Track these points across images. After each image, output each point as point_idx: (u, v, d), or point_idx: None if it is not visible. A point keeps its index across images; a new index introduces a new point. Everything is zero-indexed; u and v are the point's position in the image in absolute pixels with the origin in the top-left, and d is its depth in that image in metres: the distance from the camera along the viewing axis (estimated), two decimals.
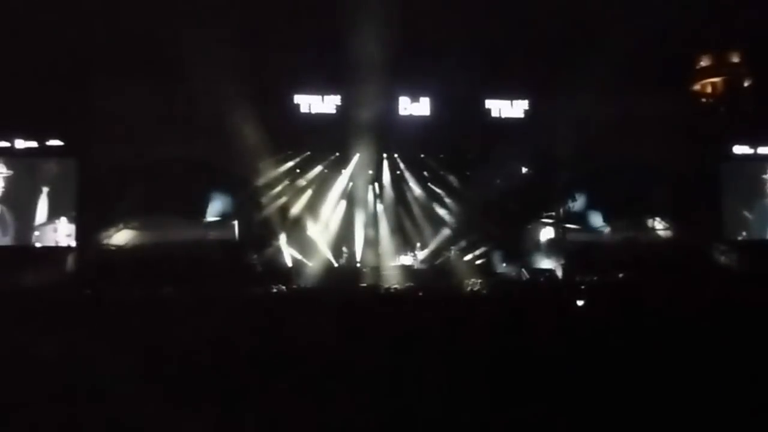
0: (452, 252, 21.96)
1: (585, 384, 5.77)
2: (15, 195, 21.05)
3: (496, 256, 21.85)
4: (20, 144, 21.46)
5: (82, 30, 20.14)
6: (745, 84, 25.66)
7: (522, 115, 22.32)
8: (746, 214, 22.88)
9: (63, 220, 20.93)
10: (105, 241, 21.13)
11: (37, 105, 20.18)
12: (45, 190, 21.09)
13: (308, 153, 22.15)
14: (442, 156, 22.66)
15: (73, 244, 20.88)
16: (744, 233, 22.84)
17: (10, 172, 21.19)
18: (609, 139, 20.29)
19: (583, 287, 17.25)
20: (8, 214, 20.93)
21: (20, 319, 8.27)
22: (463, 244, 22.02)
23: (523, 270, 21.25)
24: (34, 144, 21.56)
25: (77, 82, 20.36)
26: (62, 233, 20.84)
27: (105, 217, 21.15)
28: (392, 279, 19.69)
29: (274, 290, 17.86)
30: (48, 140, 21.52)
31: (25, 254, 20.33)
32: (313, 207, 22.10)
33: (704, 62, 26.14)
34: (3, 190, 21.06)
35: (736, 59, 25.96)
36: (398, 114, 21.97)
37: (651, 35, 20.20)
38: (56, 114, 20.71)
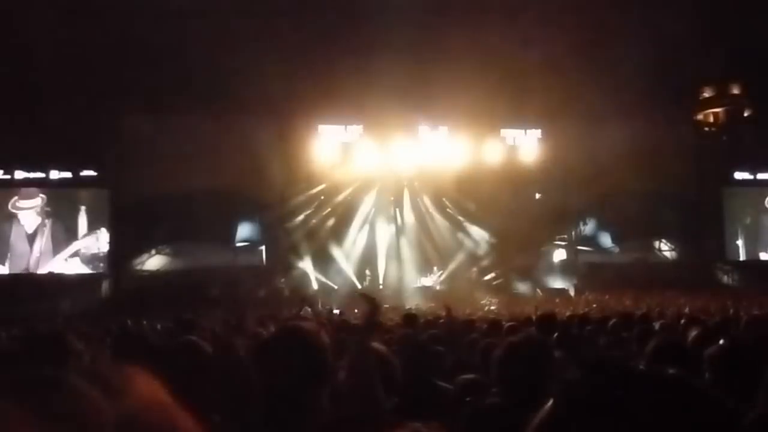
0: (471, 273, 22.42)
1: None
2: (59, 213, 22.55)
3: (513, 277, 22.30)
4: (54, 174, 22.60)
5: (114, 66, 21.01)
6: (745, 114, 26.63)
7: (535, 143, 23.22)
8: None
9: (103, 230, 22.46)
10: (138, 267, 21.95)
11: (71, 137, 21.07)
12: (82, 208, 22.64)
13: (332, 180, 22.63)
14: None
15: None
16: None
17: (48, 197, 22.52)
18: (617, 165, 20.86)
19: (595, 306, 17.82)
20: (55, 225, 22.47)
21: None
22: (481, 265, 22.58)
23: (537, 290, 21.72)
24: (68, 174, 22.63)
25: (110, 115, 21.21)
26: (103, 241, 22.51)
27: (138, 244, 22.04)
28: (414, 299, 19.66)
29: (301, 312, 18.33)
30: (81, 171, 22.56)
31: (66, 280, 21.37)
32: (337, 232, 22.58)
33: (707, 93, 26.96)
34: (50, 209, 22.41)
35: (736, 90, 26.91)
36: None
37: (657, 67, 21.29)
38: (89, 146, 21.71)
